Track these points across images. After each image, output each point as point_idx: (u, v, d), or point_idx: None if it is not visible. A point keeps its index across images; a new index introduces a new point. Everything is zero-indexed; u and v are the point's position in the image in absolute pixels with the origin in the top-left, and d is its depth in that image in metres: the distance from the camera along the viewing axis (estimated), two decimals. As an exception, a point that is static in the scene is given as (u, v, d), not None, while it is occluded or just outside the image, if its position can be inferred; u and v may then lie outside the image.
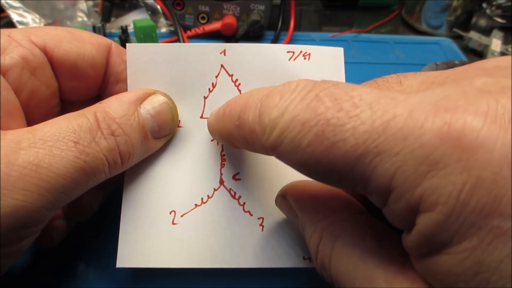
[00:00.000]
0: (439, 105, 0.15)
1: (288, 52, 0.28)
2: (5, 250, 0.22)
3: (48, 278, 0.29)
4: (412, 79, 0.20)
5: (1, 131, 0.21)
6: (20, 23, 0.53)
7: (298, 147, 0.17)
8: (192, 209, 0.27)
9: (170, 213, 0.27)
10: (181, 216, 0.27)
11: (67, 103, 0.29)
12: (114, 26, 0.58)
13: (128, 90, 0.27)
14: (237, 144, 0.22)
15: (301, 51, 0.28)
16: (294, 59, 0.28)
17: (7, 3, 0.53)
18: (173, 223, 0.27)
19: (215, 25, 0.56)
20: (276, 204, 0.26)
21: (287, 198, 0.24)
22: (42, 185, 0.21)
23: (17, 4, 0.54)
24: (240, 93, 0.28)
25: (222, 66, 0.28)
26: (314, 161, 0.17)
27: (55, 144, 0.21)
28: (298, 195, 0.23)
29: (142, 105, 0.26)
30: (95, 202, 0.29)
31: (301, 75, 0.28)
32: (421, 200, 0.15)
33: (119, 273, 0.29)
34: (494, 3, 0.58)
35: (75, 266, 0.30)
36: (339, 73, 0.28)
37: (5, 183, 0.20)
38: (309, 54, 0.28)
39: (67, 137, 0.22)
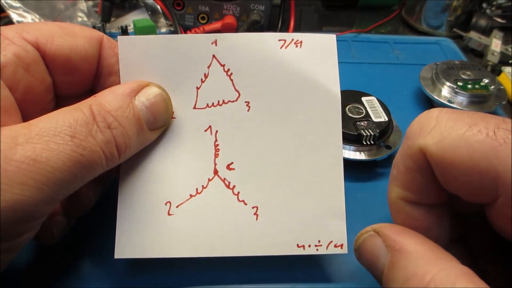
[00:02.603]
0: None
1: (279, 40, 0.28)
2: (5, 244, 0.22)
3: (49, 273, 0.29)
4: None
5: None
6: (20, 23, 0.53)
7: (466, 142, 0.19)
8: (187, 200, 0.27)
9: (166, 204, 0.27)
10: (177, 206, 0.27)
11: (61, 97, 0.29)
12: (114, 26, 0.59)
13: (121, 82, 0.27)
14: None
15: (292, 39, 0.28)
16: (285, 47, 0.28)
17: (7, 3, 0.54)
18: (168, 214, 0.27)
19: (215, 25, 0.56)
20: (356, 240, 0.24)
21: (383, 234, 0.22)
22: (40, 179, 0.21)
23: (17, 4, 0.54)
24: (232, 82, 0.28)
25: (213, 56, 0.28)
26: (479, 157, 0.18)
27: (52, 139, 0.22)
28: (398, 235, 0.22)
29: (136, 97, 0.26)
30: (93, 196, 0.29)
31: (293, 63, 0.28)
32: None
33: (118, 265, 0.29)
34: (494, 3, 0.58)
35: (76, 260, 0.30)
36: (332, 61, 0.28)
37: (3, 178, 0.20)
38: (301, 42, 0.28)
39: (64, 131, 0.22)
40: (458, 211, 0.25)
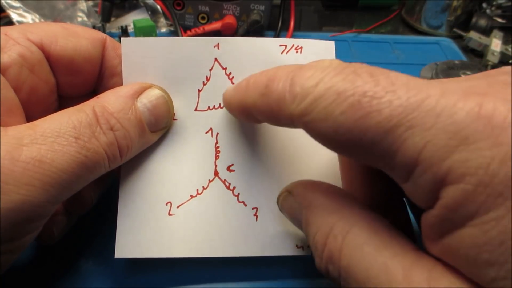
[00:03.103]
0: (469, 91, 0.16)
1: (280, 45, 0.28)
2: (9, 245, 0.22)
3: (48, 273, 0.29)
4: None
5: (2, 128, 0.22)
6: (20, 23, 0.53)
7: (330, 115, 0.17)
8: (187, 200, 0.27)
9: (166, 204, 0.27)
10: (177, 207, 0.27)
11: (64, 98, 0.29)
12: (114, 26, 0.59)
13: (123, 84, 0.28)
14: (257, 115, 0.22)
15: (293, 45, 0.28)
16: (286, 53, 0.28)
17: (7, 3, 0.54)
18: (169, 214, 0.27)
19: (215, 25, 0.56)
20: (277, 201, 0.26)
21: (293, 194, 0.24)
22: (46, 180, 0.21)
23: (17, 4, 0.54)
24: None
25: (215, 59, 0.28)
26: (345, 130, 0.17)
27: (56, 140, 0.22)
28: (306, 192, 0.23)
29: (138, 99, 0.26)
30: (94, 195, 0.29)
31: None
32: (449, 173, 0.15)
33: (118, 265, 0.29)
34: (494, 3, 0.58)
35: (76, 260, 0.30)
36: None
37: (10, 179, 0.20)
38: (301, 48, 0.28)
39: (68, 132, 0.22)
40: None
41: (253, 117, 0.23)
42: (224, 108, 0.28)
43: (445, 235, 0.16)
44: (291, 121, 0.20)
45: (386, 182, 0.22)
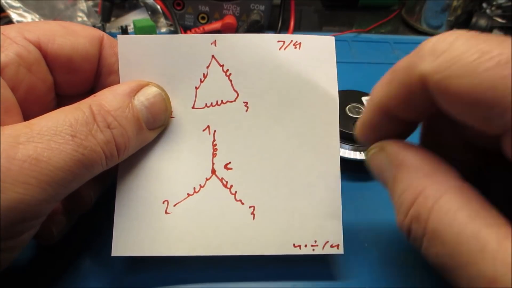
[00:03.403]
0: None
1: (278, 41, 0.28)
2: (7, 243, 0.22)
3: (48, 273, 0.29)
4: None
5: None
6: (21, 23, 0.53)
7: (473, 71, 0.17)
8: (184, 199, 0.27)
9: (163, 202, 0.27)
10: (174, 205, 0.27)
11: (62, 97, 0.29)
12: (114, 26, 0.59)
13: (120, 81, 0.27)
14: (391, 106, 0.22)
15: (291, 41, 0.28)
16: (284, 49, 0.28)
17: (7, 3, 0.54)
18: (166, 213, 0.27)
19: (215, 25, 0.56)
20: (366, 156, 0.25)
21: (386, 151, 0.23)
22: (42, 179, 0.21)
23: (17, 4, 0.54)
24: (231, 82, 0.28)
25: (213, 56, 0.28)
26: (485, 88, 0.17)
27: (53, 138, 0.22)
28: (400, 150, 0.23)
29: (136, 96, 0.26)
30: (93, 194, 0.29)
31: (291, 64, 0.28)
32: None
33: (117, 264, 0.29)
34: (494, 3, 0.58)
35: (75, 259, 0.30)
36: (330, 63, 0.28)
37: (6, 177, 0.20)
38: (300, 44, 0.28)
39: (64, 130, 0.22)
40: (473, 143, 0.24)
41: (392, 115, 0.23)
42: (221, 105, 0.28)
43: None
44: (421, 83, 0.19)
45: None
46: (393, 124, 0.23)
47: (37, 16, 0.54)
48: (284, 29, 0.59)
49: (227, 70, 0.28)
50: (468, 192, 0.19)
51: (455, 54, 0.18)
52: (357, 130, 0.25)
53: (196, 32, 0.56)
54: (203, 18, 0.58)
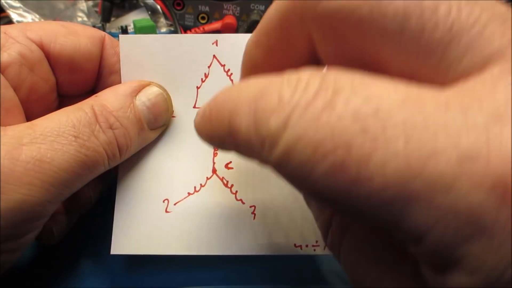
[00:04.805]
0: None
1: None
2: (10, 244, 0.22)
3: (47, 272, 0.29)
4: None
5: (2, 127, 0.22)
6: (22, 22, 0.53)
7: (309, 175, 0.12)
8: (185, 198, 0.27)
9: (164, 201, 0.27)
10: (174, 204, 0.27)
11: (64, 97, 0.29)
12: (114, 26, 0.59)
13: (121, 81, 0.28)
14: (233, 151, 0.17)
15: None
16: None
17: (7, 3, 0.54)
18: (166, 211, 0.27)
19: (215, 25, 0.56)
20: None
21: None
22: (46, 180, 0.21)
23: (17, 4, 0.54)
24: (232, 82, 0.28)
25: (214, 56, 0.28)
26: (330, 195, 0.13)
27: (56, 139, 0.22)
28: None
29: (137, 97, 0.26)
30: (94, 193, 0.29)
31: None
32: (462, 260, 0.12)
33: (117, 264, 0.29)
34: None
35: (75, 259, 0.30)
36: None
37: (10, 178, 0.20)
38: None
39: (67, 131, 0.22)
40: None
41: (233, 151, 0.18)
42: None
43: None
44: (270, 167, 0.14)
45: None
46: None
47: (37, 16, 0.54)
48: (284, 30, 0.59)
49: (229, 70, 0.28)
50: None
51: (289, 144, 0.13)
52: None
53: (196, 32, 0.56)
54: (203, 18, 0.57)
